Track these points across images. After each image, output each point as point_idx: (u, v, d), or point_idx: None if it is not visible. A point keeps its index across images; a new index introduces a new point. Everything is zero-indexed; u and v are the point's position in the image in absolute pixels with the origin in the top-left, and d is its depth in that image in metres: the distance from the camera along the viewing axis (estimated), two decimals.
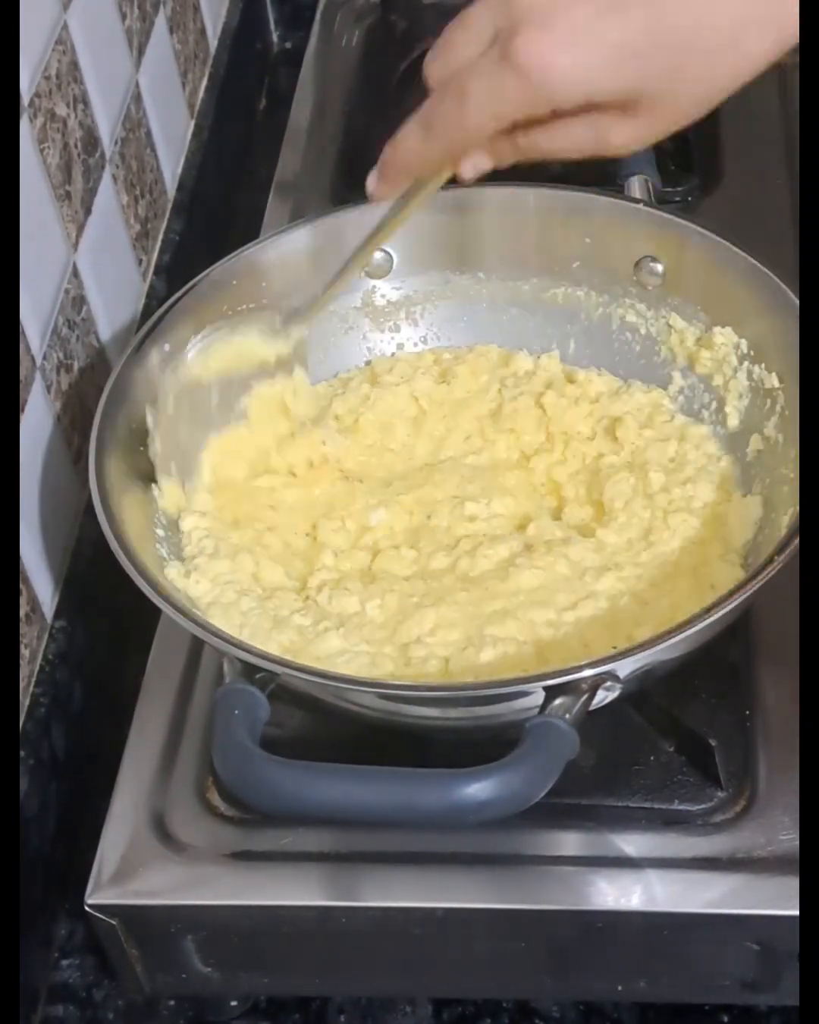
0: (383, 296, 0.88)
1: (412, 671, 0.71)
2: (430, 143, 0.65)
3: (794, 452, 0.75)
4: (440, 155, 0.66)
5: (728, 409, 0.81)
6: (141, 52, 1.00)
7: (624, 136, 0.62)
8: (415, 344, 0.89)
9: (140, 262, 0.99)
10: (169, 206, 1.05)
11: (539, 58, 0.58)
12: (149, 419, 0.76)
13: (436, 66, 0.64)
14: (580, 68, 0.58)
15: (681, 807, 0.70)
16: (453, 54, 0.63)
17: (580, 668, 0.62)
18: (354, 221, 0.80)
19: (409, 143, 0.66)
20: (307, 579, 0.77)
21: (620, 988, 0.72)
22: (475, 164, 0.67)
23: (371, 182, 0.70)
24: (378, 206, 0.73)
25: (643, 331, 0.85)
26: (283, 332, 0.80)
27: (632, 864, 0.69)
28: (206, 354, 0.79)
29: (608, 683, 0.63)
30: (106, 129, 0.92)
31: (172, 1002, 0.77)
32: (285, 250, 0.84)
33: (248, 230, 0.98)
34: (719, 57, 0.59)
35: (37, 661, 0.80)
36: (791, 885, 0.67)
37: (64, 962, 0.78)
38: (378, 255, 0.86)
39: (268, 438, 0.81)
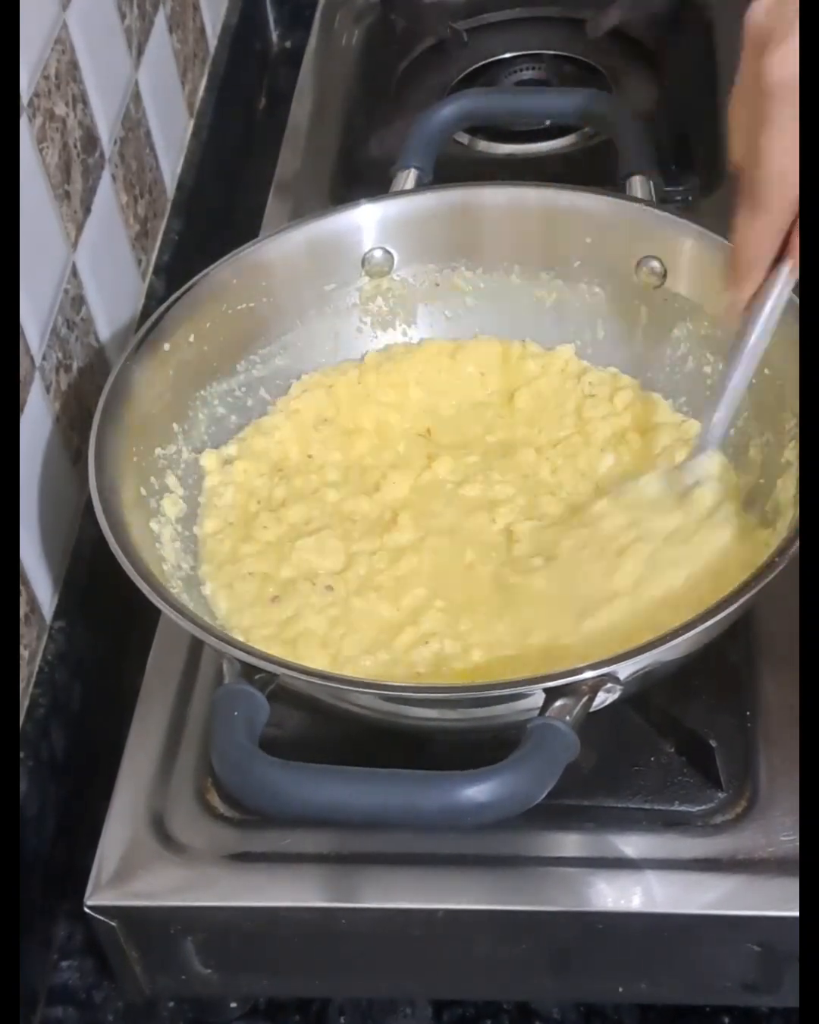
0: (384, 295, 0.87)
1: (410, 668, 0.71)
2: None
3: (794, 452, 0.75)
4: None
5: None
6: (140, 51, 1.00)
7: None
8: (414, 343, 0.89)
9: (139, 262, 0.99)
10: (168, 206, 1.05)
11: None
12: None
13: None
14: None
15: (681, 808, 0.70)
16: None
17: (580, 670, 0.62)
18: (368, 222, 0.81)
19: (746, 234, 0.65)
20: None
21: (621, 990, 0.72)
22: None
23: (729, 299, 0.70)
24: None
25: (644, 331, 0.84)
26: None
27: (632, 865, 0.69)
28: None
29: (608, 685, 0.62)
30: (105, 129, 0.92)
31: (172, 1004, 0.77)
32: (285, 250, 0.84)
33: (248, 230, 0.98)
34: None
35: (36, 662, 0.80)
36: (792, 886, 0.67)
37: (64, 963, 0.78)
38: (378, 254, 0.86)
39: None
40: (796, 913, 0.66)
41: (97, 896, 0.70)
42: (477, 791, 0.57)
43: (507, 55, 1.14)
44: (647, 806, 0.70)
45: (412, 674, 0.72)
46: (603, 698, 0.63)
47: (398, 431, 0.85)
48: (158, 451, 0.79)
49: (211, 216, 1.12)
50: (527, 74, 1.13)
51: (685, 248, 0.81)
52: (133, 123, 0.98)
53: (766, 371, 0.78)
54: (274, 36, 1.34)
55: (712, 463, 0.76)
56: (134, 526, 0.73)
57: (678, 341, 0.83)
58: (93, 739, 0.83)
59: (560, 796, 0.62)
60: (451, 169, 0.90)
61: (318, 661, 0.72)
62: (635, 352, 0.85)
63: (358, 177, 1.04)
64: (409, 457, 0.83)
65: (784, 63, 0.57)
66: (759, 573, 0.65)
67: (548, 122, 1.05)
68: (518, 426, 0.84)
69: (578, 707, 0.61)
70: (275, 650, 0.71)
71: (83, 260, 0.87)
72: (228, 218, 1.16)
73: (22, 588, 0.78)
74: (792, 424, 0.76)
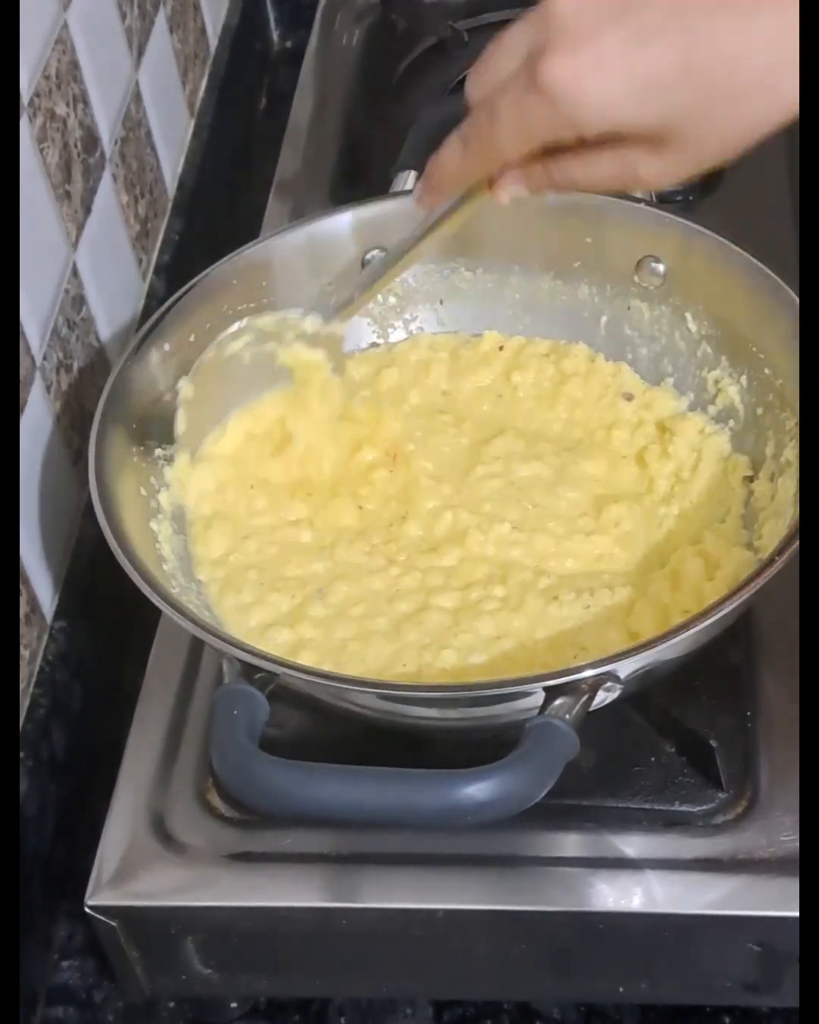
0: (383, 294, 0.87)
1: (411, 667, 0.71)
2: (466, 159, 0.64)
3: (794, 452, 0.75)
4: (476, 172, 0.65)
5: (730, 409, 0.81)
6: (141, 51, 1.00)
7: (652, 171, 0.60)
8: (414, 343, 0.89)
9: (140, 262, 0.99)
10: (169, 205, 1.05)
11: (564, 83, 0.57)
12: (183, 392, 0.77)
13: (474, 84, 0.63)
14: (605, 97, 0.57)
15: (682, 808, 0.70)
16: (490, 72, 0.62)
17: (580, 668, 0.62)
18: (368, 222, 0.80)
19: (448, 159, 0.65)
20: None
21: (621, 990, 0.72)
22: (511, 191, 0.66)
23: (416, 192, 0.70)
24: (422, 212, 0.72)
25: (644, 330, 0.84)
26: (318, 332, 0.80)
27: (633, 865, 0.69)
28: (243, 329, 0.79)
29: (608, 684, 0.62)
30: (106, 128, 0.92)
31: (172, 1004, 0.77)
32: (285, 250, 0.84)
33: (248, 230, 0.98)
34: (752, 99, 0.57)
35: (37, 662, 0.80)
36: (792, 886, 0.67)
37: (64, 963, 0.78)
38: (378, 254, 0.86)
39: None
40: (796, 913, 0.66)
41: (97, 896, 0.70)
42: (476, 790, 0.57)
43: None
44: (647, 806, 0.70)
45: (413, 673, 0.72)
46: (603, 697, 0.63)
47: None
48: (158, 451, 0.79)
49: (212, 216, 1.12)
50: None
51: (685, 248, 0.81)
52: (134, 123, 0.98)
53: (766, 371, 0.78)
54: (275, 36, 1.34)
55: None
56: (134, 526, 0.73)
57: (678, 341, 0.83)
58: (94, 739, 0.83)
59: (560, 796, 0.62)
60: None
61: (317, 659, 0.72)
62: (636, 352, 0.85)
63: (359, 177, 1.04)
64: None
65: (560, 76, 0.57)
66: (759, 572, 0.65)
67: None
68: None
69: (578, 706, 0.61)
70: (275, 649, 0.71)
71: (84, 260, 0.87)
72: (229, 218, 1.15)
73: (22, 588, 0.78)
74: (792, 424, 0.76)
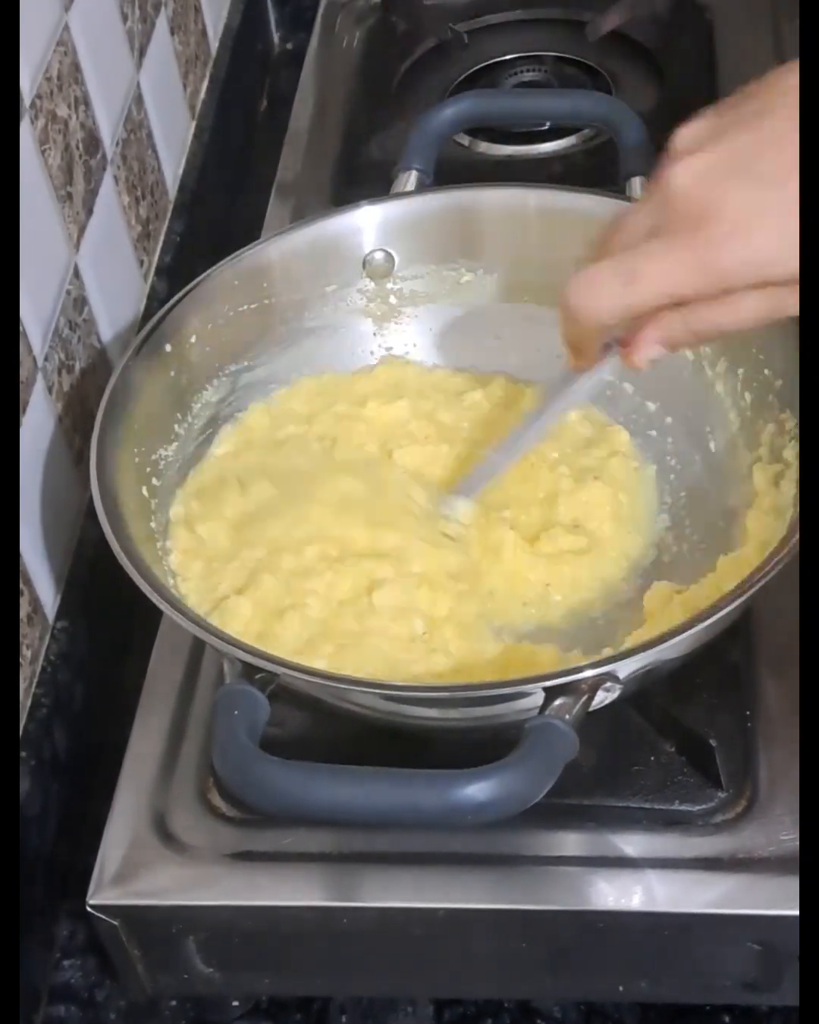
0: (384, 297, 0.88)
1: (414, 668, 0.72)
2: (577, 324, 0.64)
3: (793, 452, 0.75)
4: (599, 332, 0.65)
5: (730, 410, 0.81)
6: (142, 53, 1.00)
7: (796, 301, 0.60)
8: (415, 344, 0.89)
9: (141, 263, 0.99)
10: (170, 207, 1.06)
11: (717, 246, 0.57)
12: None
13: (604, 296, 0.62)
14: (752, 258, 0.58)
15: (681, 807, 0.70)
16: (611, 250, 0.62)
17: (580, 668, 0.62)
18: (369, 223, 0.82)
19: (570, 328, 0.65)
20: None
21: (621, 988, 0.72)
22: (649, 352, 0.65)
23: (570, 360, 0.70)
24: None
25: None
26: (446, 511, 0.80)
27: (633, 864, 0.69)
28: None
29: (608, 684, 0.63)
30: (107, 130, 0.92)
31: (174, 1002, 0.77)
32: (286, 251, 0.85)
33: (249, 231, 0.98)
34: None
35: (39, 662, 0.80)
36: (792, 885, 0.67)
37: (66, 962, 0.78)
38: (379, 255, 0.86)
39: None
40: (796, 912, 0.66)
41: (99, 895, 0.70)
42: (476, 790, 0.57)
43: (508, 57, 1.14)
44: (647, 805, 0.70)
45: (413, 673, 0.72)
46: (603, 697, 0.63)
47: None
48: (160, 452, 0.79)
49: (213, 218, 1.12)
50: (528, 76, 1.13)
51: None
52: (135, 125, 0.98)
53: (766, 371, 0.78)
54: (275, 38, 1.34)
55: (468, 510, 0.79)
56: (136, 526, 0.73)
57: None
58: (95, 738, 0.83)
59: (560, 795, 0.62)
60: (452, 170, 0.90)
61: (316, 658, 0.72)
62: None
63: (359, 179, 1.04)
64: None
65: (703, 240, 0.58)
66: (759, 572, 0.65)
67: (548, 124, 1.05)
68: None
69: (577, 706, 0.61)
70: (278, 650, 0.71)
71: (85, 261, 0.87)
72: (230, 220, 1.16)
73: (24, 588, 0.78)
74: (791, 424, 0.76)
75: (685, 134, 0.61)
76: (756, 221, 0.57)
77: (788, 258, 0.57)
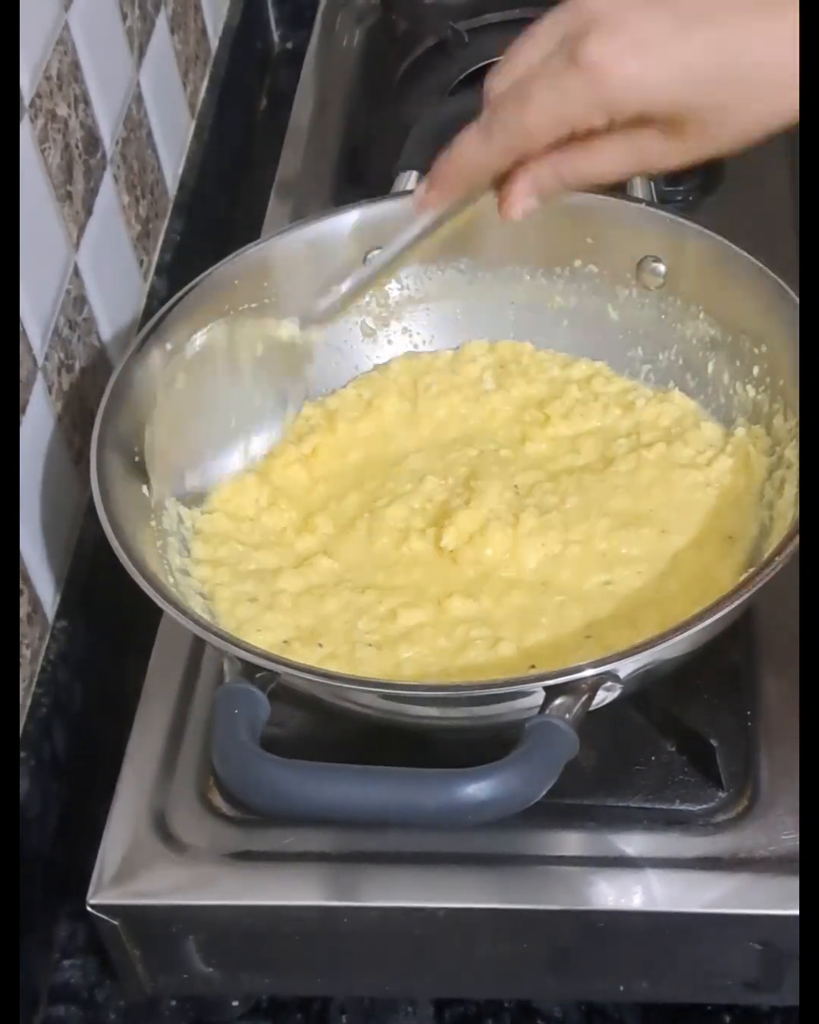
0: (384, 296, 0.88)
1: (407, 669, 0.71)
2: (487, 149, 0.65)
3: (794, 452, 0.75)
4: (496, 162, 0.66)
5: (727, 407, 0.81)
6: (142, 52, 1.00)
7: (663, 156, 0.63)
8: (415, 345, 0.89)
9: (141, 262, 0.99)
10: (170, 206, 1.05)
11: (605, 61, 0.59)
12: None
13: (498, 78, 0.65)
14: (643, 78, 0.59)
15: (682, 807, 0.70)
16: (518, 61, 0.63)
17: (581, 668, 0.62)
18: (370, 222, 0.80)
19: (466, 150, 0.66)
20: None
21: (622, 988, 0.72)
22: (522, 204, 0.66)
23: (420, 191, 0.70)
24: (420, 214, 0.72)
25: (644, 330, 0.85)
26: (302, 333, 0.80)
27: (633, 864, 0.69)
28: (228, 331, 0.79)
29: (608, 683, 0.62)
30: (107, 129, 0.92)
31: (174, 1002, 0.77)
32: (286, 250, 0.84)
33: (249, 230, 0.98)
34: (775, 94, 0.60)
35: (38, 661, 0.80)
36: (792, 885, 0.67)
37: (66, 963, 0.78)
38: (379, 255, 0.86)
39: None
40: (797, 912, 0.66)
41: (99, 895, 0.70)
42: (477, 789, 0.57)
43: None
44: (648, 805, 0.70)
45: (413, 673, 0.72)
46: (603, 696, 0.63)
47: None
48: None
49: (213, 217, 1.12)
50: None
51: (685, 248, 0.81)
52: (135, 124, 0.98)
53: (765, 369, 0.78)
54: (275, 37, 1.34)
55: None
56: (136, 526, 0.73)
57: (678, 341, 0.83)
58: (95, 738, 0.83)
59: (560, 795, 0.62)
60: None
61: (315, 657, 0.72)
62: (635, 352, 0.85)
63: (360, 178, 1.04)
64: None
65: (603, 54, 0.59)
66: (759, 572, 0.65)
67: None
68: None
69: (578, 705, 0.61)
70: (276, 648, 0.71)
71: (85, 261, 0.87)
72: (230, 219, 1.16)
73: (24, 588, 0.78)
74: (792, 424, 0.76)
75: None
76: (656, 48, 0.59)
77: (675, 92, 0.59)
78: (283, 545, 0.79)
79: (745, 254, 0.78)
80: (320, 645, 0.73)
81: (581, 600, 0.73)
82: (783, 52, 0.59)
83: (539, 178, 0.65)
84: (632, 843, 0.70)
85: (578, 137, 0.63)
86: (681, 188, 0.98)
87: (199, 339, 0.78)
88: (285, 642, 0.73)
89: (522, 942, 0.70)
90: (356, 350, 0.88)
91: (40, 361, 0.80)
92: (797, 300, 0.74)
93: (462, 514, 0.77)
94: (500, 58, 0.66)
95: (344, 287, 0.78)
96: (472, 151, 0.66)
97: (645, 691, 0.70)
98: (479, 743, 0.64)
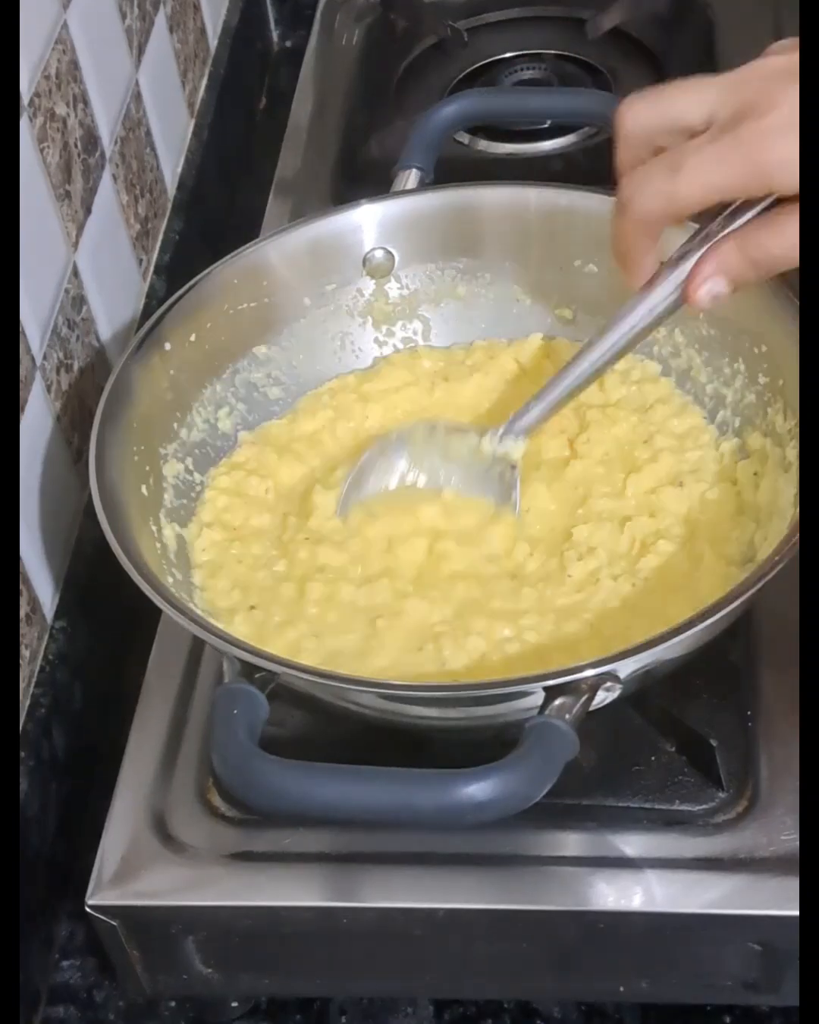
0: (384, 296, 0.88)
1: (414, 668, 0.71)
2: (625, 219, 0.65)
3: (794, 451, 0.75)
4: (645, 228, 0.66)
5: (728, 407, 0.81)
6: (141, 51, 1.00)
7: None
8: (415, 344, 0.89)
9: (140, 261, 0.99)
10: (169, 205, 1.05)
11: (764, 138, 0.59)
12: None
13: (643, 107, 0.65)
14: (796, 154, 0.58)
15: (682, 807, 0.70)
16: (665, 108, 0.64)
17: (580, 668, 0.62)
18: (369, 222, 0.81)
19: (618, 223, 0.66)
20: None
21: (622, 989, 0.72)
22: (711, 290, 0.65)
23: (631, 276, 0.70)
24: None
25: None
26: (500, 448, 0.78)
27: (633, 865, 0.69)
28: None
29: (608, 683, 0.62)
30: (106, 128, 0.92)
31: (173, 1003, 0.77)
32: (286, 250, 0.84)
33: (248, 229, 0.98)
34: None
35: (37, 661, 0.80)
36: (792, 886, 0.67)
37: (65, 963, 0.78)
38: (379, 254, 0.86)
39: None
40: (796, 912, 0.66)
41: (98, 895, 0.70)
42: (476, 790, 0.57)
43: (507, 55, 1.14)
44: (647, 805, 0.70)
45: (413, 673, 0.72)
46: (603, 697, 0.63)
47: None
48: (159, 450, 0.79)
49: (212, 216, 1.12)
50: (528, 74, 1.13)
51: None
52: (134, 123, 0.98)
53: (765, 369, 0.78)
54: (275, 36, 1.34)
55: (520, 448, 0.77)
56: (135, 526, 0.73)
57: (678, 341, 0.83)
58: (94, 739, 0.83)
59: (560, 795, 0.62)
60: (452, 169, 0.90)
61: (314, 657, 0.72)
62: (634, 353, 0.85)
63: (359, 177, 1.04)
64: None
65: (761, 132, 0.59)
66: (759, 572, 0.65)
67: (549, 122, 1.05)
68: None
69: (578, 705, 0.61)
70: (275, 648, 0.71)
71: (84, 260, 0.87)
72: (229, 218, 1.16)
73: (23, 588, 0.78)
74: (792, 424, 0.76)
75: (782, 41, 0.62)
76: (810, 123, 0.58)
77: None
78: (283, 542, 0.79)
79: None
80: (317, 638, 0.73)
81: (581, 600, 0.73)
82: None
83: (726, 257, 0.64)
84: (632, 843, 0.69)
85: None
86: None
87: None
88: (284, 635, 0.73)
89: (521, 942, 0.70)
90: (345, 349, 0.88)
91: (39, 360, 0.80)
92: (797, 301, 0.74)
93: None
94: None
95: (540, 402, 0.76)
96: (617, 223, 0.66)
97: (645, 691, 0.70)
98: (479, 743, 0.64)
